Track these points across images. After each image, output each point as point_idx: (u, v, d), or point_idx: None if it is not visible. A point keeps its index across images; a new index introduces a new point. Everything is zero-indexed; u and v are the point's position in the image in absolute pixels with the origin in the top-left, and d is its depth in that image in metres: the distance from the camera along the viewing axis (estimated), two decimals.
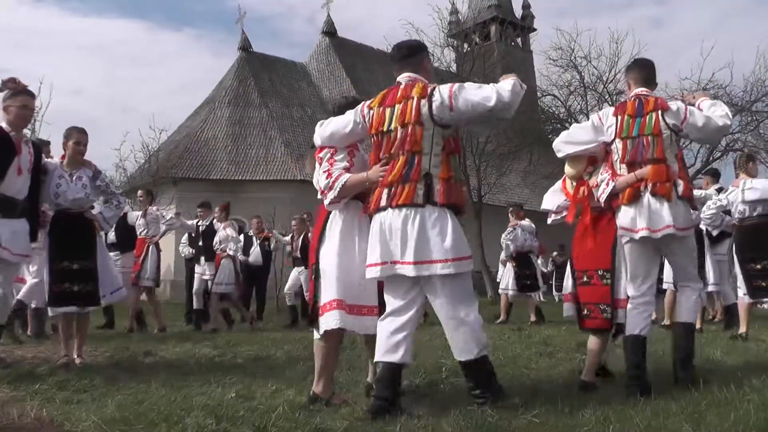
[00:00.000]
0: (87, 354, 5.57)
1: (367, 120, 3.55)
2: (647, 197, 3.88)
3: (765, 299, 7.11)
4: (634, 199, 3.91)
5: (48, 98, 22.53)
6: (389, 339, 3.32)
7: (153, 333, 8.47)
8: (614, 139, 4.03)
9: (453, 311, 3.32)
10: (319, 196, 3.66)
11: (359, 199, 3.63)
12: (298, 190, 23.47)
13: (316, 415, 3.18)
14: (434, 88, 3.42)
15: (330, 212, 3.70)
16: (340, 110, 3.78)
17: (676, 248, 4.01)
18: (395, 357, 3.29)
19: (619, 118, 4.00)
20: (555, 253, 20.93)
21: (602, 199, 4.08)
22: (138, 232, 9.34)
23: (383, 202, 3.40)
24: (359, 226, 3.63)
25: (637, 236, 3.90)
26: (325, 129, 3.68)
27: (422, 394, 3.83)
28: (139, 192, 9.96)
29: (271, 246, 11.93)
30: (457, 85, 3.42)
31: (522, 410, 3.19)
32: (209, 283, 9.74)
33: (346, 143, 3.68)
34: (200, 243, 10.12)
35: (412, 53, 3.67)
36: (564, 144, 4.26)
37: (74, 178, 5.18)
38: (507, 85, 3.38)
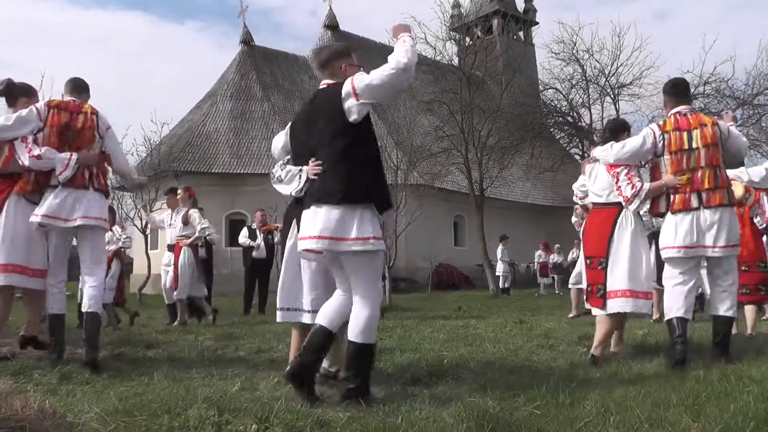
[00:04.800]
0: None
1: (662, 141, 4.65)
2: None
3: None
4: None
5: (50, 92, 22.49)
6: (685, 299, 4.56)
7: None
8: None
9: (727, 279, 4.60)
10: (601, 200, 5.08)
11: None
12: None
13: (318, 407, 3.20)
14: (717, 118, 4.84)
15: (618, 214, 4.92)
16: (612, 132, 5.16)
17: None
18: (689, 314, 4.56)
19: None
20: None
21: None
22: (171, 236, 9.14)
23: (695, 204, 4.51)
24: (641, 227, 4.98)
25: None
26: (622, 150, 4.80)
27: (424, 385, 3.84)
28: (179, 191, 9.40)
29: (275, 239, 11.95)
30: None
31: (523, 402, 3.20)
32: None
33: (636, 161, 4.86)
34: None
35: (688, 88, 5.07)
36: None
37: None
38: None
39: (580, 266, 10.19)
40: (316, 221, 3.42)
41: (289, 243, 3.86)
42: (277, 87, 29.12)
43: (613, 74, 25.06)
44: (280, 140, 4.00)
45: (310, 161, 3.57)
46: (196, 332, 7.34)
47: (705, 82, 23.83)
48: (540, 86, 27.84)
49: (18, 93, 4.92)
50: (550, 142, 27.40)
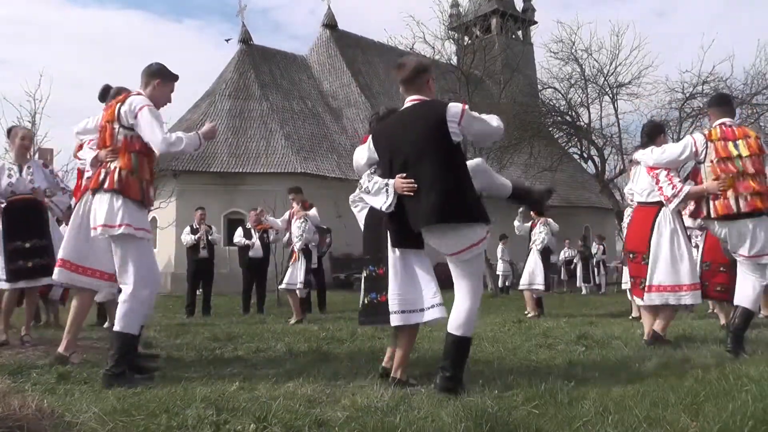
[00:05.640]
0: (87, 346, 5.59)
1: (705, 149, 4.94)
2: None
3: None
4: None
5: (48, 91, 22.46)
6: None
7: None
8: None
9: (759, 283, 4.89)
10: (642, 199, 5.62)
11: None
12: (298, 183, 23.42)
13: (317, 407, 3.20)
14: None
15: (658, 212, 5.45)
16: (649, 136, 5.58)
17: None
18: (755, 306, 5.05)
19: None
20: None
21: None
22: None
23: (734, 210, 4.76)
24: (680, 225, 5.45)
25: None
26: (662, 156, 5.19)
27: (422, 385, 3.84)
28: None
29: (271, 238, 11.93)
30: None
31: (521, 401, 3.20)
32: None
33: (678, 166, 5.28)
34: None
35: (732, 102, 5.45)
36: None
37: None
38: None
39: (531, 266, 10.54)
40: (457, 242, 3.71)
41: (393, 255, 3.91)
42: (275, 86, 29.08)
43: (612, 73, 24.99)
44: (363, 156, 4.03)
45: (397, 176, 3.67)
46: (195, 332, 7.33)
47: (703, 81, 23.78)
48: (538, 85, 27.77)
49: (111, 97, 4.83)
50: (549, 141, 27.32)
